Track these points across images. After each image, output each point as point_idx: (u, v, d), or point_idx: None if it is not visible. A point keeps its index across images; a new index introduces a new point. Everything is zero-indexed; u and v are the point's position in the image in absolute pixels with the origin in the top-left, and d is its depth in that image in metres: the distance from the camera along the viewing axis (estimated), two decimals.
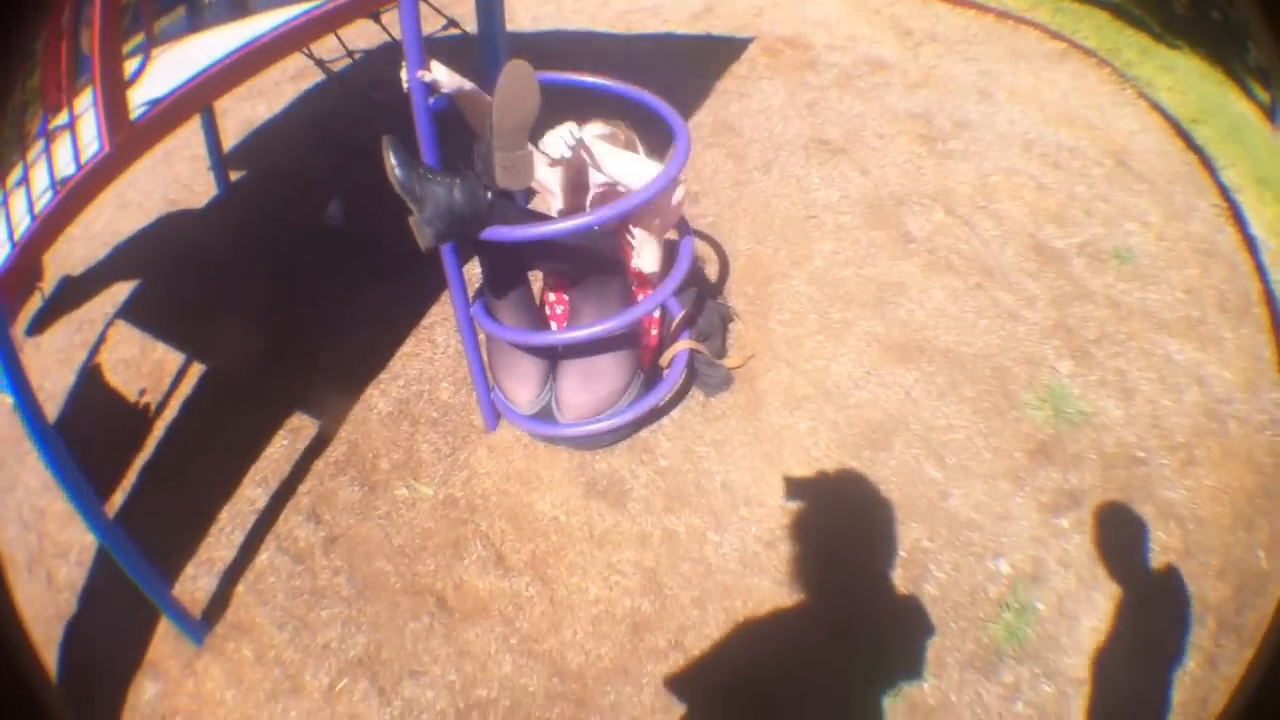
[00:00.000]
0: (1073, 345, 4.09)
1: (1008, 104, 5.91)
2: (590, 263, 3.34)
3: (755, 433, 3.80)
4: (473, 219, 2.97)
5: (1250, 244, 4.65)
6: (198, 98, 3.29)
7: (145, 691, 3.14)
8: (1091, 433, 3.74)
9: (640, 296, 3.57)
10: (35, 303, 5.81)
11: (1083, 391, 3.89)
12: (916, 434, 3.74)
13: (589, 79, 3.77)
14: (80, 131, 2.93)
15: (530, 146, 3.03)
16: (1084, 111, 5.83)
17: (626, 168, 3.40)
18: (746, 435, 3.79)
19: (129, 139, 2.88)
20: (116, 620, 3.26)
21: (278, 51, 3.56)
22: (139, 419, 4.24)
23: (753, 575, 3.35)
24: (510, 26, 7.96)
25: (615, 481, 3.67)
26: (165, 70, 3.37)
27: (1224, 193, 5.03)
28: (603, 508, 3.57)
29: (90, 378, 4.66)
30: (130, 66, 3.18)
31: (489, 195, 2.97)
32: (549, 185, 3.68)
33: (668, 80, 6.31)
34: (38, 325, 5.74)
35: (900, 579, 3.31)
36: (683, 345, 3.79)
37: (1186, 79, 6.19)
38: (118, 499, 3.79)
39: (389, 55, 5.57)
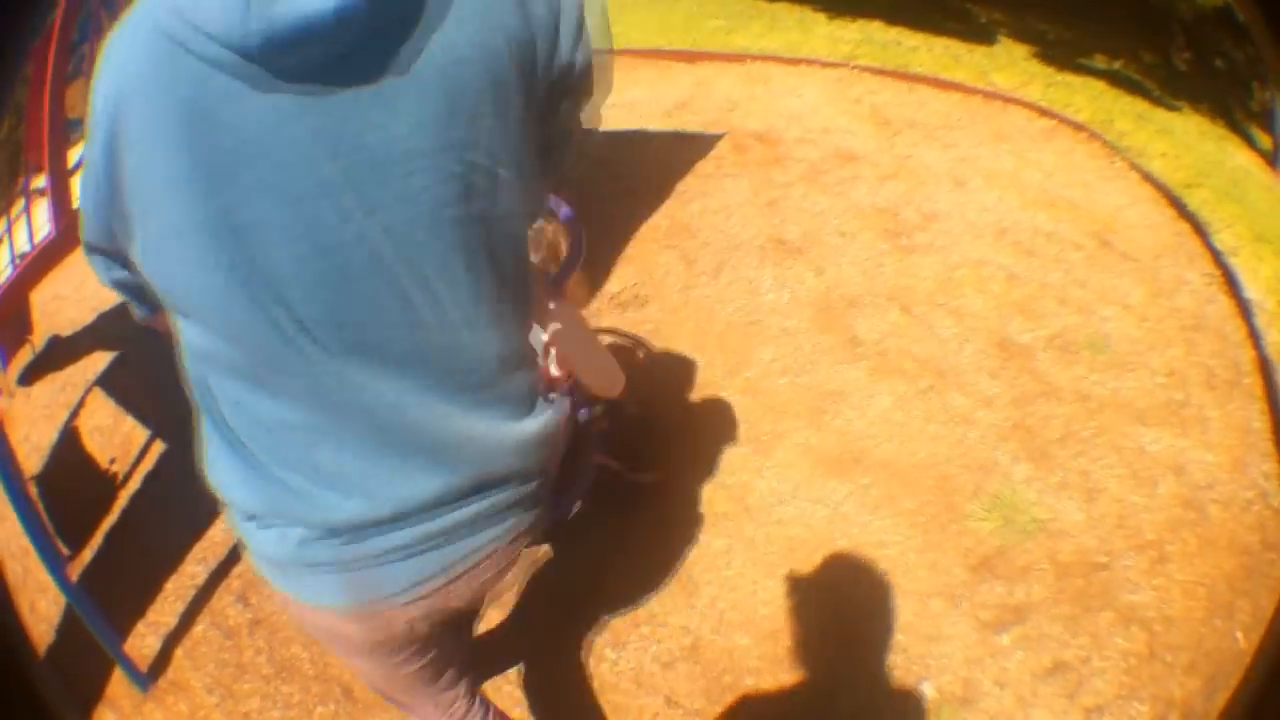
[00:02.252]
0: (1031, 447, 3.93)
1: (982, 190, 5.83)
2: None
3: (667, 549, 3.72)
4: None
5: (1244, 309, 4.55)
6: None
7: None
8: (1046, 541, 3.58)
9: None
10: (28, 354, 6.17)
11: (1039, 496, 3.72)
12: (842, 552, 3.62)
13: None
14: (38, 210, 3.39)
15: None
16: (1066, 191, 5.75)
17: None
18: (657, 552, 3.72)
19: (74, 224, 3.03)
20: (86, 655, 3.43)
21: None
22: (107, 485, 4.51)
23: (645, 695, 3.26)
24: None
25: (514, 589, 3.61)
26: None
27: (1216, 258, 4.94)
28: (499, 617, 3.52)
29: (69, 438, 4.97)
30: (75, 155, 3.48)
31: None
32: None
33: (632, 178, 6.48)
34: (28, 376, 6.10)
35: (806, 710, 3.19)
36: (601, 459, 3.65)
37: (1184, 140, 6.14)
38: (87, 554, 4.10)
39: None
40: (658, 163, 6.88)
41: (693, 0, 10.01)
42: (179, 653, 3.64)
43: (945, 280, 5.02)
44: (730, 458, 4.05)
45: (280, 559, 1.62)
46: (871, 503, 3.76)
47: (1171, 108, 6.50)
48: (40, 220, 3.41)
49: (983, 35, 8.00)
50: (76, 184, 1.89)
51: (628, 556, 3.70)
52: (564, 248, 3.35)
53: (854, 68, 7.77)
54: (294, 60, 1.21)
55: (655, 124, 7.54)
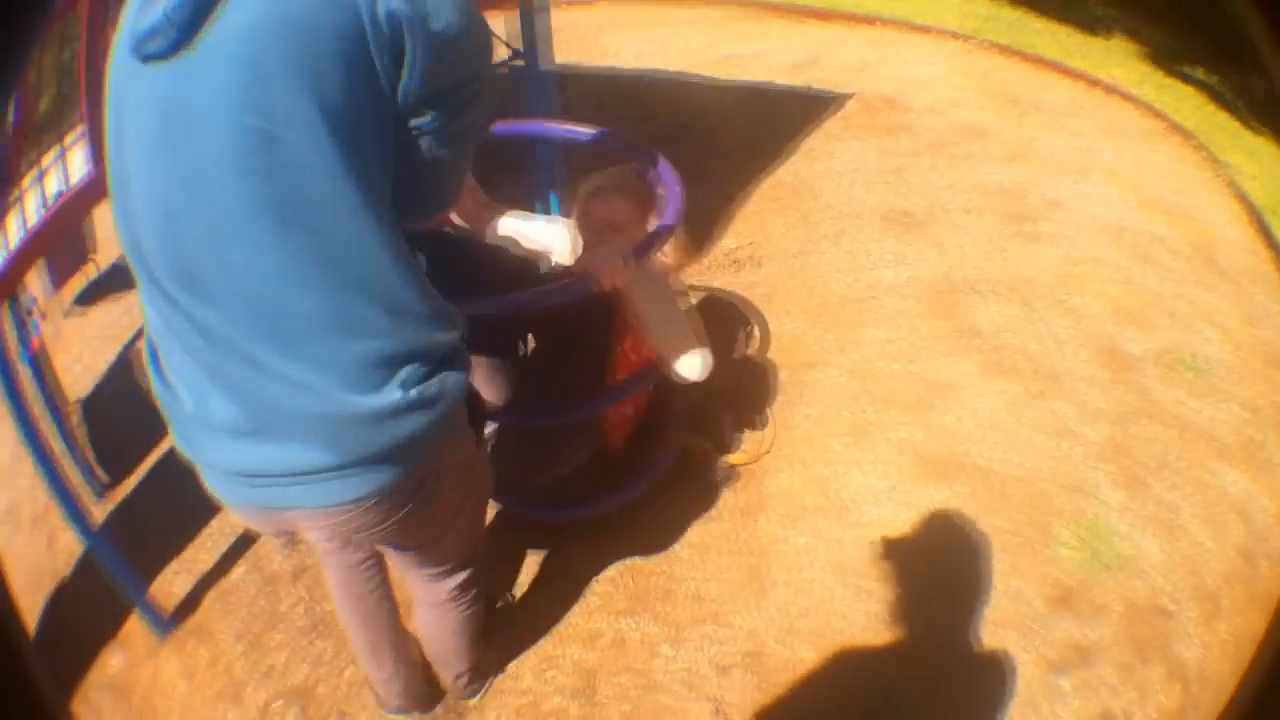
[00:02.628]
0: (1130, 472, 3.69)
1: (1105, 184, 5.59)
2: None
3: (744, 542, 3.50)
4: None
5: None
6: None
7: (113, 662, 3.36)
8: (1125, 579, 3.35)
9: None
10: (90, 272, 6.06)
11: (1128, 529, 3.49)
12: (927, 569, 3.39)
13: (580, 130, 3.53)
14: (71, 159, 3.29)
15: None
16: (1178, 198, 5.50)
17: (541, 236, 3.21)
18: (734, 543, 3.50)
19: None
20: (101, 593, 3.37)
21: None
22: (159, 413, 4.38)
23: (695, 700, 3.08)
24: (611, 60, 8.11)
25: (578, 570, 3.46)
26: None
27: None
28: (559, 594, 3.39)
29: (126, 363, 4.87)
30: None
31: None
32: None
33: (757, 131, 6.35)
34: (89, 296, 6.01)
35: None
36: (680, 436, 3.52)
37: (1268, 165, 5.83)
38: (131, 482, 4.05)
39: None
40: (784, 118, 6.69)
41: None
42: (210, 596, 3.53)
43: (1066, 275, 4.78)
44: (828, 445, 3.83)
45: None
46: (967, 514, 3.53)
47: (1258, 131, 6.23)
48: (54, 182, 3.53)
49: (1099, 28, 7.71)
50: None
51: (702, 545, 3.51)
52: (637, 215, 3.05)
53: (982, 43, 7.56)
54: (151, 48, 1.47)
55: (783, 78, 7.38)
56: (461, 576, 2.46)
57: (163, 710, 3.24)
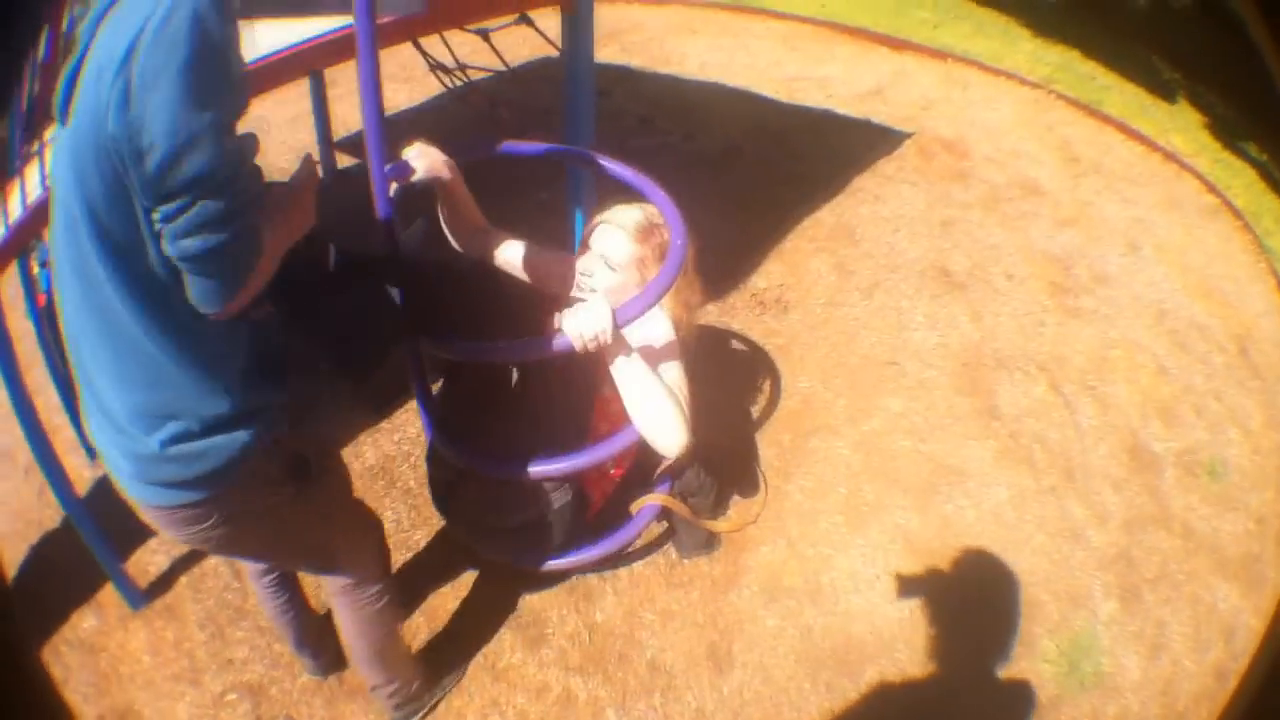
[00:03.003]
0: (1127, 583, 3.55)
1: (1152, 261, 5.45)
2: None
3: (712, 615, 3.41)
4: None
5: None
6: None
7: (86, 622, 3.51)
8: (1098, 698, 3.21)
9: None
10: None
11: (1112, 644, 3.35)
12: (897, 667, 3.26)
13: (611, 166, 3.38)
14: None
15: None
16: (1222, 283, 5.35)
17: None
18: (701, 615, 3.42)
19: None
20: (85, 551, 3.37)
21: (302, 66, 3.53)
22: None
23: None
24: (674, 69, 8.04)
25: (539, 620, 3.43)
26: None
27: None
28: (515, 642, 3.35)
29: None
30: None
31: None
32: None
33: (808, 163, 6.27)
34: None
35: None
36: (657, 499, 3.35)
37: None
38: None
39: (519, 72, 5.63)
40: (838, 151, 6.59)
41: None
42: (184, 580, 3.62)
43: (1100, 359, 4.65)
44: (818, 523, 3.72)
45: None
46: (949, 613, 3.40)
47: None
48: None
49: (1165, 91, 7.58)
50: None
51: (668, 612, 3.43)
52: (637, 257, 3.00)
53: (1050, 92, 7.44)
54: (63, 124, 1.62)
55: (845, 107, 7.27)
56: (343, 582, 2.61)
57: (125, 678, 3.33)
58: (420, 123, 7.46)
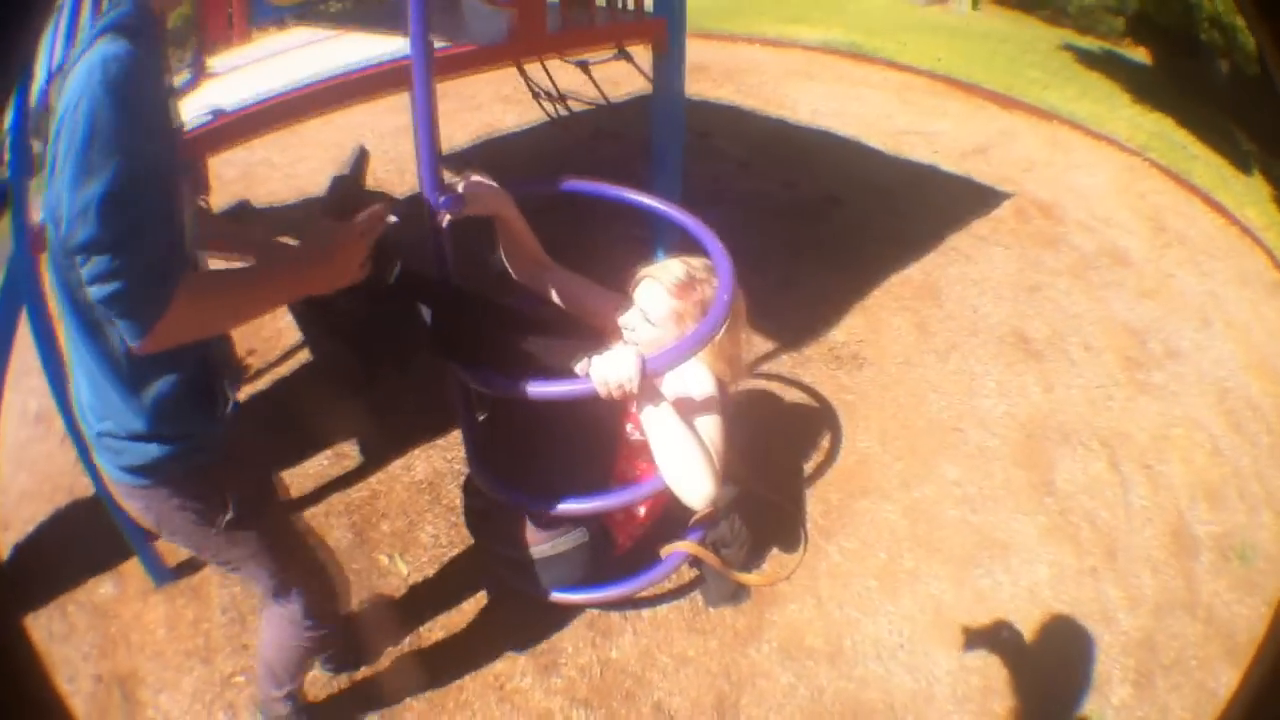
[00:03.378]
0: (1144, 669, 3.53)
1: (1221, 338, 5.45)
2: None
3: (727, 666, 3.41)
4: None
5: None
6: (252, 126, 3.44)
7: (102, 589, 3.65)
8: None
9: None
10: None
11: None
12: None
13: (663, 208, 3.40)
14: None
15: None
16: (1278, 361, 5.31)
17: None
18: (716, 664, 3.42)
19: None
20: (114, 525, 3.47)
21: (362, 90, 3.61)
22: (233, 372, 4.67)
23: None
24: (785, 113, 8.23)
25: (554, 649, 3.49)
26: (222, 92, 3.60)
27: None
28: (527, 667, 3.41)
29: None
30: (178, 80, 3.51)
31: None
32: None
33: (904, 219, 6.41)
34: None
35: None
36: (686, 547, 3.36)
37: None
38: None
39: (620, 107, 5.81)
40: (937, 208, 6.70)
41: (1018, 46, 9.82)
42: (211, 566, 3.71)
43: (1161, 437, 4.64)
44: (851, 585, 3.72)
45: None
46: (963, 693, 3.34)
47: None
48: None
49: (1243, 163, 7.52)
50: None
51: (683, 657, 3.44)
52: (677, 315, 2.99)
53: (1145, 159, 7.46)
54: None
55: (949, 164, 7.37)
56: (269, 597, 2.69)
57: (135, 646, 3.45)
58: (521, 145, 7.79)
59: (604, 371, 2.54)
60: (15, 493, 3.98)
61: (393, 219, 2.33)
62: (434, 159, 2.76)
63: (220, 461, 2.29)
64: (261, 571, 2.57)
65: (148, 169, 1.80)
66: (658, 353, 2.74)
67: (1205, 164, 7.55)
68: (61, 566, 3.69)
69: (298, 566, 2.68)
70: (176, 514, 2.29)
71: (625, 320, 3.01)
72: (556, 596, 3.35)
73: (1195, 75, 8.71)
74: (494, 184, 3.01)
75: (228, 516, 2.33)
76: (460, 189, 2.91)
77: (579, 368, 2.77)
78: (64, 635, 3.55)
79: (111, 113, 1.70)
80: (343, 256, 2.15)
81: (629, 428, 3.11)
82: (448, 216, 2.86)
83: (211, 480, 2.29)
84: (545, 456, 3.06)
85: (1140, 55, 9.89)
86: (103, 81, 1.69)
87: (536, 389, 2.72)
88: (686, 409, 2.87)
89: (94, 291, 1.79)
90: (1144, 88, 8.82)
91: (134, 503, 2.30)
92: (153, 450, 2.14)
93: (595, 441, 3.08)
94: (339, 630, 2.91)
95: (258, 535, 2.47)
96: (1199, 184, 7.17)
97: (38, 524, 3.88)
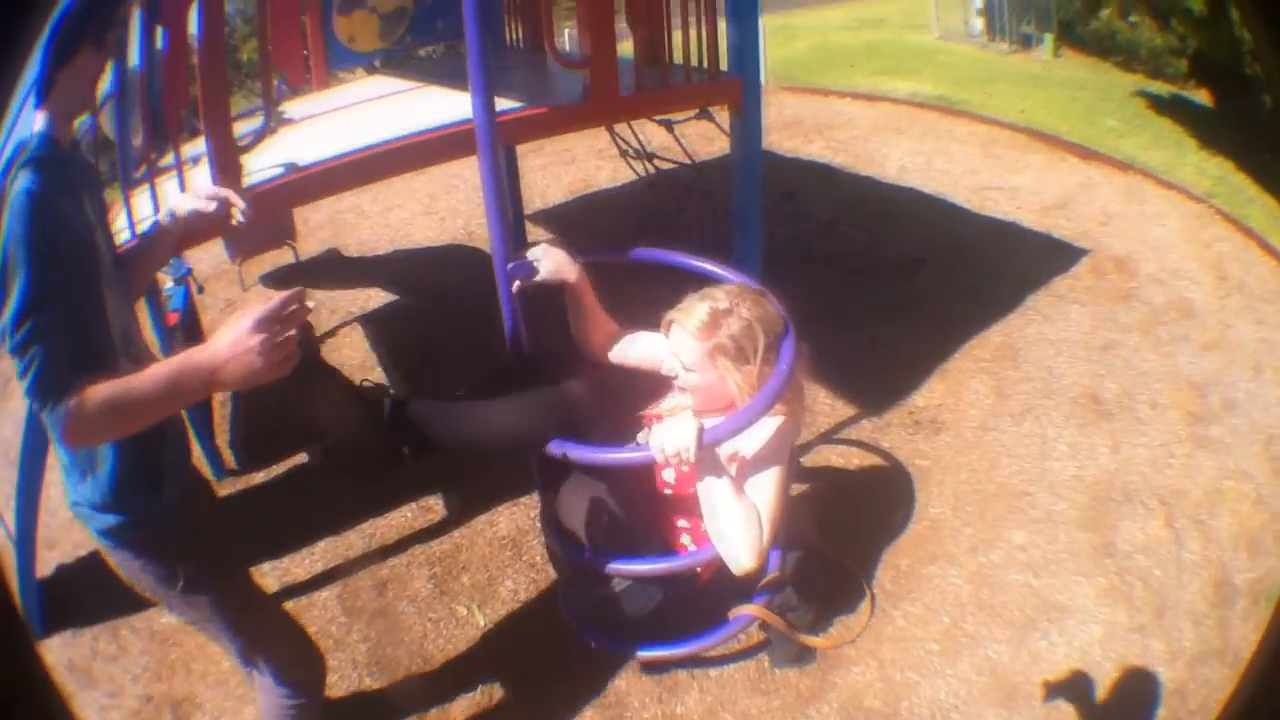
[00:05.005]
0: (1174, 718, 3.71)
1: (1272, 384, 5.53)
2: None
3: None
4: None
5: None
6: (324, 185, 3.56)
7: (165, 619, 4.04)
8: None
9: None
10: (284, 255, 6.79)
11: None
12: None
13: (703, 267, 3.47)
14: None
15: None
16: None
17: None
18: None
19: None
20: None
21: (434, 153, 3.72)
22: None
23: None
24: (874, 170, 8.72)
25: (621, 702, 3.66)
26: (296, 145, 3.74)
27: None
28: (594, 718, 3.62)
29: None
30: (241, 128, 3.47)
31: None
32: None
33: (986, 278, 6.67)
34: (278, 280, 6.69)
35: None
36: (753, 610, 3.37)
37: None
38: (257, 478, 4.86)
39: (706, 166, 6.12)
40: (1017, 266, 6.92)
41: (1096, 94, 10.04)
42: (289, 605, 3.92)
43: (1214, 490, 4.77)
44: (913, 649, 3.83)
45: None
46: None
47: None
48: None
49: None
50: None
51: (746, 714, 3.59)
52: (705, 359, 2.99)
53: (1210, 206, 7.60)
54: None
55: (1030, 220, 7.59)
56: (240, 662, 2.91)
57: (195, 674, 3.82)
58: (613, 202, 8.25)
59: (661, 441, 2.62)
60: (65, 515, 4.23)
61: (311, 304, 2.24)
62: (504, 226, 2.93)
63: (171, 531, 2.52)
64: (223, 634, 2.75)
65: (58, 289, 1.98)
66: (713, 394, 2.99)
67: (1260, 206, 7.63)
68: (118, 592, 3.60)
69: (258, 633, 2.83)
70: (142, 574, 2.53)
71: (668, 369, 3.05)
72: (623, 652, 3.62)
73: (1247, 113, 8.73)
74: (563, 253, 3.09)
75: (180, 582, 2.53)
76: (530, 255, 3.08)
77: (640, 436, 3.03)
78: (112, 656, 3.87)
79: (19, 242, 1.93)
80: (248, 349, 2.02)
81: (666, 489, 3.18)
82: (518, 283, 3.03)
83: (165, 548, 2.52)
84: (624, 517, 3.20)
85: (1203, 98, 9.91)
86: (12, 214, 1.93)
87: (599, 456, 2.89)
88: (747, 467, 2.97)
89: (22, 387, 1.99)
90: (1208, 131, 8.89)
91: (110, 560, 2.53)
92: (110, 519, 2.41)
93: (661, 506, 3.28)
94: (318, 703, 3.03)
95: (210, 600, 2.64)
96: (1255, 227, 7.27)
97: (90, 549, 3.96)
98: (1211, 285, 6.62)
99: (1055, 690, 3.78)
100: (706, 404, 3.03)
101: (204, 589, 2.63)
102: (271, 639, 2.88)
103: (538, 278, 3.01)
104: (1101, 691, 3.81)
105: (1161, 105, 9.83)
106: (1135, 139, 9.00)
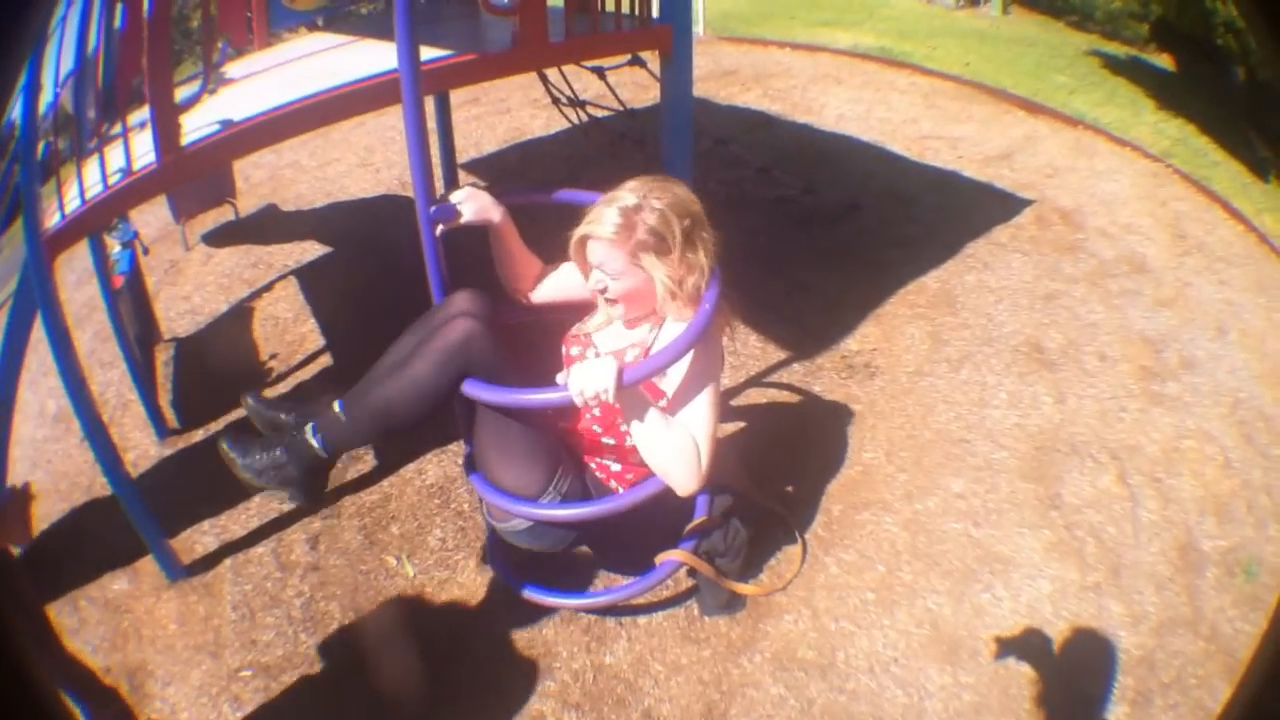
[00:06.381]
0: (1144, 688, 3.44)
1: (1236, 347, 5.32)
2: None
3: (718, 675, 3.41)
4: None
5: None
6: (256, 139, 3.51)
7: (116, 584, 3.85)
8: None
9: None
10: (225, 214, 6.80)
11: None
12: None
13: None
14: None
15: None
16: None
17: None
18: (708, 673, 3.42)
19: (179, 161, 3.19)
20: (130, 523, 3.69)
21: (364, 102, 3.65)
22: (255, 376, 5.06)
23: None
24: (811, 119, 8.29)
25: (549, 653, 3.53)
26: (233, 102, 3.69)
27: None
28: (521, 670, 3.48)
29: (239, 315, 5.55)
30: (183, 92, 3.55)
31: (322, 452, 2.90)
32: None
33: (924, 225, 6.45)
34: (219, 238, 6.65)
35: None
36: (679, 555, 3.35)
37: None
38: (197, 435, 4.71)
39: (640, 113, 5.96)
40: (956, 215, 6.65)
41: (1046, 51, 9.74)
42: (228, 563, 3.94)
43: (1172, 450, 4.53)
44: (847, 598, 3.67)
45: None
46: (954, 709, 3.27)
47: None
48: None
49: (1260, 170, 7.37)
50: None
51: (675, 665, 3.46)
52: (632, 255, 2.86)
53: (1168, 166, 7.39)
54: None
55: (972, 170, 7.33)
56: None
57: (146, 639, 3.62)
58: (548, 150, 8.04)
59: (579, 383, 2.54)
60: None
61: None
62: (426, 169, 2.79)
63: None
64: None
65: None
66: (639, 296, 2.87)
67: (1225, 170, 7.43)
68: (76, 562, 3.85)
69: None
70: None
71: (594, 284, 2.95)
72: (550, 600, 3.46)
73: (1215, 81, 8.61)
74: (487, 195, 3.04)
75: None
76: (453, 198, 2.95)
77: (559, 378, 2.78)
78: (74, 629, 3.68)
79: None
80: None
81: (596, 430, 3.10)
82: (440, 226, 2.90)
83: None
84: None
85: (1164, 61, 9.77)
86: None
87: (516, 398, 2.77)
88: (678, 395, 2.90)
89: None
90: (1168, 94, 8.70)
91: None
92: None
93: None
94: None
95: None
96: (1219, 191, 7.07)
97: (54, 520, 4.04)
98: (1167, 242, 6.41)
99: (1005, 647, 3.53)
100: (637, 307, 2.99)
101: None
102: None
103: (461, 220, 2.97)
104: (1056, 651, 3.56)
105: (1118, 66, 9.65)
106: (1087, 96, 8.79)
